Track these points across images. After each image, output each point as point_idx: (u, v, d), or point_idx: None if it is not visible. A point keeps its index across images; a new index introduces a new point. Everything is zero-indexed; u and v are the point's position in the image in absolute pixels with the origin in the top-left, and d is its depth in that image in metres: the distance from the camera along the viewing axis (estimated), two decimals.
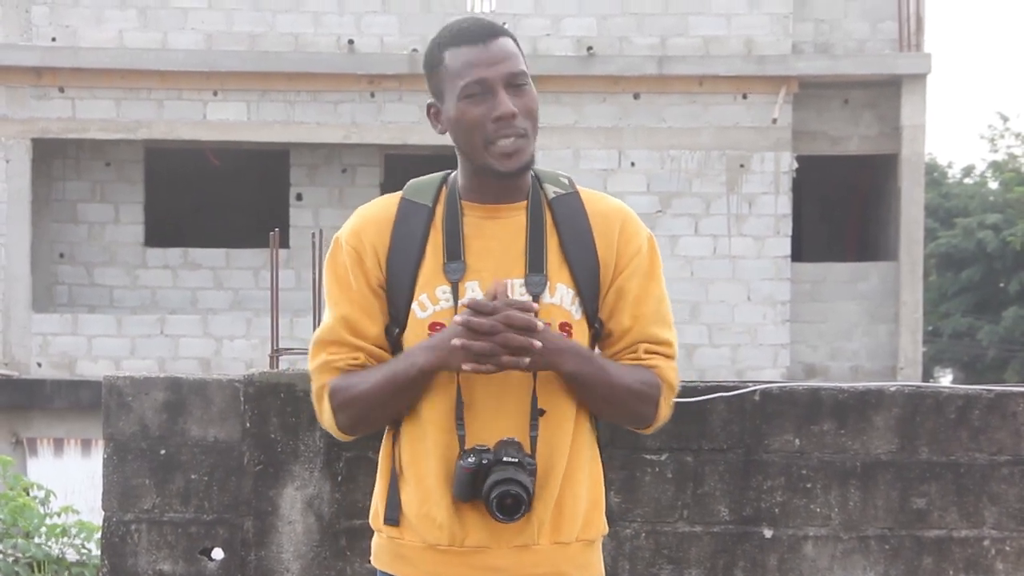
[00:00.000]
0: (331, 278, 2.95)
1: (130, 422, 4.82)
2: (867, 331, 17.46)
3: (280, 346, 5.63)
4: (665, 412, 2.97)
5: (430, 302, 2.86)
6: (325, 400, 2.92)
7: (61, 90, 17.06)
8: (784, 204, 17.04)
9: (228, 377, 4.87)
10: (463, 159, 2.92)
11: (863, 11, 17.39)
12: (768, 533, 4.79)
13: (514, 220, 2.92)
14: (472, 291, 2.86)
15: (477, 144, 2.85)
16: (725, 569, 4.79)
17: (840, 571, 4.77)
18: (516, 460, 2.79)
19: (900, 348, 17.08)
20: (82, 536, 9.22)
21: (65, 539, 9.27)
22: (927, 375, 31.01)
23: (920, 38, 17.25)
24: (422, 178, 3.03)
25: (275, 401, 4.77)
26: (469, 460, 2.80)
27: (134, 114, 17.11)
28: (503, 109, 2.83)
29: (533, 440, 2.85)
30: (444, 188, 2.96)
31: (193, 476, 4.81)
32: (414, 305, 2.88)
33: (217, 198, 19.72)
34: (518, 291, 2.86)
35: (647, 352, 2.94)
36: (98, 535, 8.53)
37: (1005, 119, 44.31)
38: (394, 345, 2.92)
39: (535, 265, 2.88)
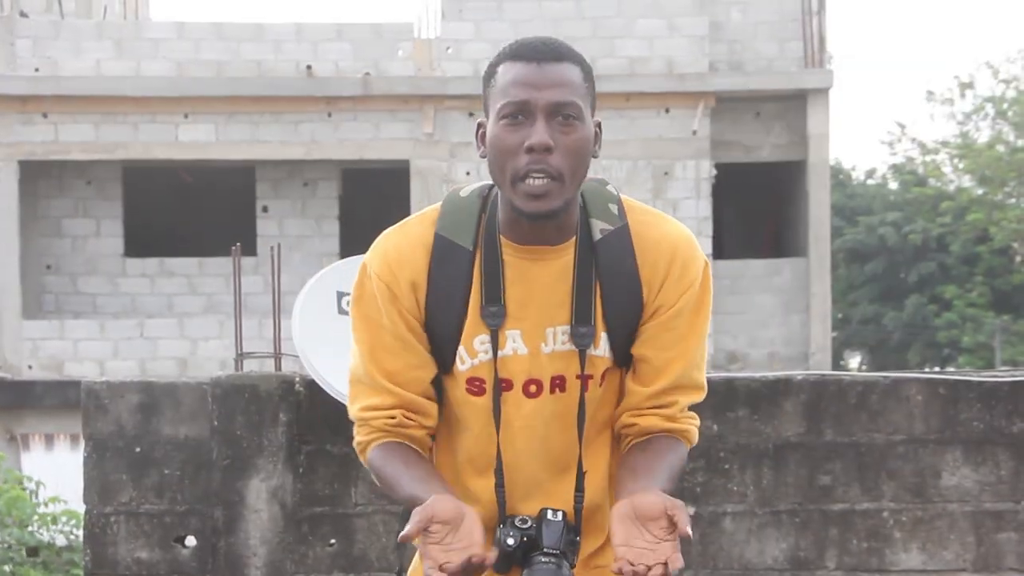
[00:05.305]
0: (359, 313, 2.42)
1: (107, 422, 4.77)
2: (782, 321, 17.55)
3: (245, 349, 5.58)
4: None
5: (468, 355, 2.39)
6: (365, 459, 2.46)
7: (44, 116, 16.93)
8: (705, 207, 17.10)
9: (196, 380, 4.83)
10: (499, 190, 2.37)
11: (771, 32, 17.48)
12: (691, 510, 4.80)
13: (560, 263, 2.39)
14: (513, 340, 2.38)
15: (506, 176, 2.29)
16: None
17: (756, 543, 4.78)
18: (558, 551, 2.33)
19: (811, 335, 17.19)
20: (71, 524, 9.16)
21: (55, 526, 9.21)
22: (837, 359, 31.21)
23: (823, 56, 17.38)
24: (457, 204, 2.43)
25: (240, 401, 4.73)
26: (509, 541, 2.34)
27: (112, 136, 17.00)
28: (536, 139, 2.26)
29: (578, 512, 2.43)
30: (482, 220, 2.40)
31: (166, 471, 4.77)
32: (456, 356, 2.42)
33: (190, 211, 19.59)
34: (560, 339, 2.39)
35: (682, 414, 2.48)
36: None
37: (902, 126, 45.19)
38: (439, 385, 2.46)
39: (582, 317, 2.38)
